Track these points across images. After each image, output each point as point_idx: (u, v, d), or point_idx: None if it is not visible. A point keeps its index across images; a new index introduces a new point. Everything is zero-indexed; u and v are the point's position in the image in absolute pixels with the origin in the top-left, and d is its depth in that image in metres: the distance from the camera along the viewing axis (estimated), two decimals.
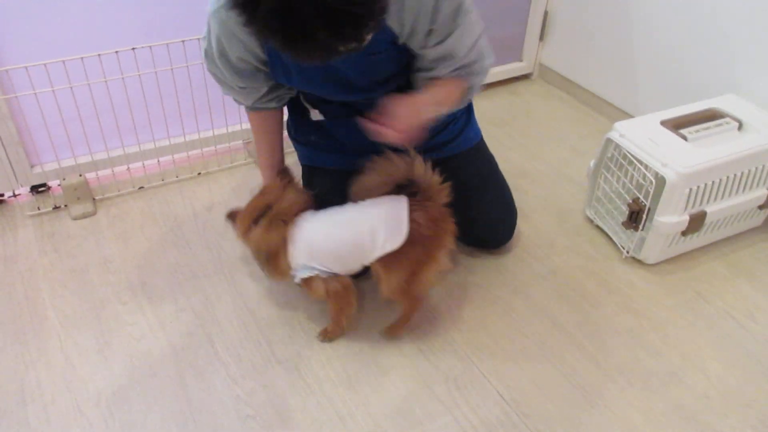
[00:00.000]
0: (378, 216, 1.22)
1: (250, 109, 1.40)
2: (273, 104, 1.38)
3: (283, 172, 1.38)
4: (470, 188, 1.48)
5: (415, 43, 1.18)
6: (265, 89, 1.32)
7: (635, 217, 1.53)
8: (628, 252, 1.58)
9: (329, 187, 1.41)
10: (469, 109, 1.55)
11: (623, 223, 1.58)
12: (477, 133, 1.56)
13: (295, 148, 1.56)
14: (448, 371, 1.32)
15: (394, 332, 1.38)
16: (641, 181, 1.53)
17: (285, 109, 1.49)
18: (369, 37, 0.94)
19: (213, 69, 1.29)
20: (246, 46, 1.19)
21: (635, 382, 1.31)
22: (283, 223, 1.26)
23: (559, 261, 1.59)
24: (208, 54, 1.26)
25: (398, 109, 1.14)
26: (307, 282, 1.28)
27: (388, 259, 1.23)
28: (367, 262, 1.25)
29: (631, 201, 1.54)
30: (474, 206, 1.51)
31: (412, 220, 1.21)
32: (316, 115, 1.43)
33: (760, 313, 1.47)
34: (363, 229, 1.22)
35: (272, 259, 1.27)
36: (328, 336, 1.37)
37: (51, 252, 1.59)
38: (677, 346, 1.38)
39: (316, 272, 1.25)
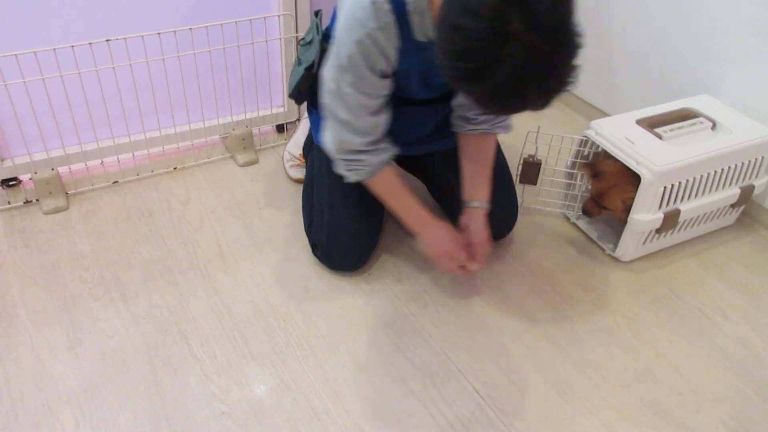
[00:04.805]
0: None
1: (375, 170, 1.35)
2: (386, 155, 1.35)
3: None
4: None
5: None
6: (381, 130, 1.31)
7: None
8: (613, 251, 1.60)
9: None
10: None
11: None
12: None
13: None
14: (425, 367, 1.32)
15: None
16: None
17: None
18: None
19: (341, 113, 1.26)
20: (388, 58, 1.21)
21: (609, 379, 1.32)
22: None
23: (536, 258, 1.60)
24: (343, 91, 1.22)
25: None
26: None
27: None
28: None
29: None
30: None
31: None
32: None
33: (731, 309, 1.49)
34: None
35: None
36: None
37: (21, 247, 1.56)
38: (650, 343, 1.40)
39: None
